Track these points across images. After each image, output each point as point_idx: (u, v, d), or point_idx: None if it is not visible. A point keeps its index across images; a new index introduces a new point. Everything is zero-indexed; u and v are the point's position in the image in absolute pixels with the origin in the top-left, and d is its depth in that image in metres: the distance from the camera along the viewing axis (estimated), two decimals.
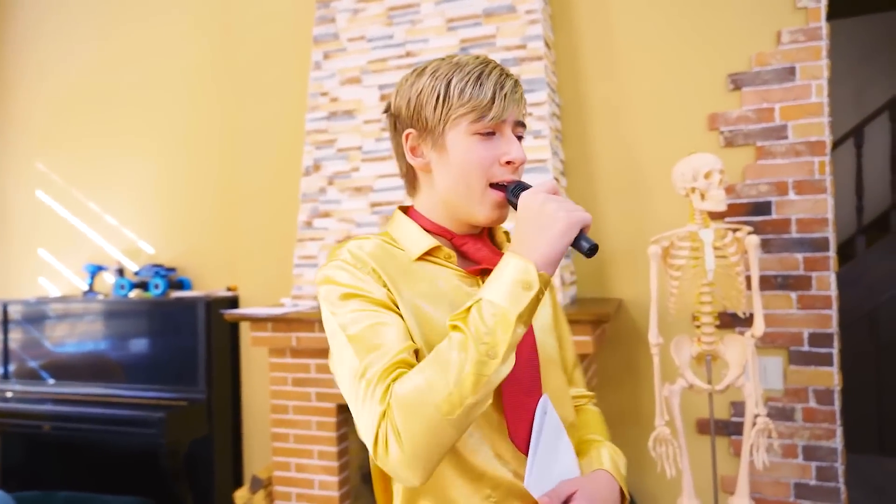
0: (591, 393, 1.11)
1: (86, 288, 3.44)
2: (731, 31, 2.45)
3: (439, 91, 0.88)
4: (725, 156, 2.42)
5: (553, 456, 0.87)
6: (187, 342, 3.00)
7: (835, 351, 2.32)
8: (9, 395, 3.26)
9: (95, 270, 3.42)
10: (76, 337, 3.26)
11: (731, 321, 2.40)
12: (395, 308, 0.85)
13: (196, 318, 2.99)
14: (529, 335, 0.91)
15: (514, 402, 0.86)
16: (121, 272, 3.34)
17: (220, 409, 3.06)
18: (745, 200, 2.42)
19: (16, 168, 3.76)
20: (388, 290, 0.86)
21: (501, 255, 0.90)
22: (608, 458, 0.95)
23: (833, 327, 2.32)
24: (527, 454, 0.86)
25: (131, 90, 3.49)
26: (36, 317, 3.34)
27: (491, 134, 0.88)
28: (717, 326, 2.08)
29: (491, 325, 0.74)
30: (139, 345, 3.13)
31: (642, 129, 2.58)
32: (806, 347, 2.35)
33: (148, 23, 3.44)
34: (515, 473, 0.86)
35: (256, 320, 2.63)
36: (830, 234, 2.33)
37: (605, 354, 2.60)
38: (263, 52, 3.17)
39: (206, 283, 3.30)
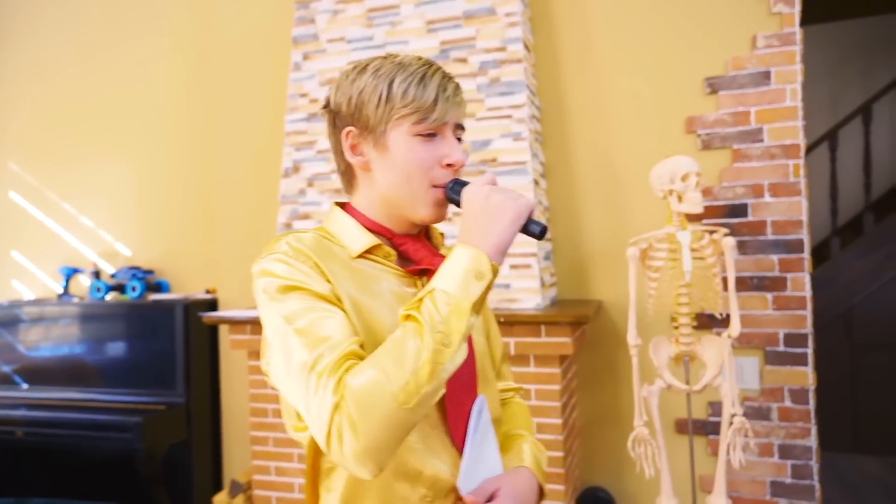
0: (517, 386, 1.13)
1: (61, 291, 3.38)
2: (707, 36, 2.48)
3: (382, 90, 0.88)
4: (702, 158, 2.44)
5: (481, 454, 0.88)
6: (165, 345, 2.96)
7: (809, 351, 2.35)
8: None
9: (71, 273, 3.37)
10: (51, 341, 3.20)
11: (708, 322, 2.42)
12: (337, 302, 0.83)
13: (174, 320, 2.95)
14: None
15: (455, 399, 0.87)
16: (97, 275, 3.29)
17: (198, 413, 3.03)
18: (721, 202, 2.44)
19: None
20: (331, 283, 0.84)
21: (440, 255, 0.93)
22: (529, 454, 0.97)
23: (808, 328, 2.35)
24: (461, 452, 0.87)
25: (107, 90, 3.44)
26: (9, 320, 3.28)
27: (432, 135, 0.89)
28: (695, 327, 2.10)
29: (445, 314, 0.75)
30: (116, 348, 3.08)
31: (621, 131, 2.59)
32: (781, 348, 2.38)
33: (124, 23, 3.40)
34: (450, 470, 0.87)
35: (235, 323, 2.60)
36: (805, 235, 2.36)
37: (585, 356, 2.61)
38: (242, 52, 3.14)
39: (185, 286, 3.26)
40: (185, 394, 2.95)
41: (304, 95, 2.74)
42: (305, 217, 2.69)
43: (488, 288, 0.78)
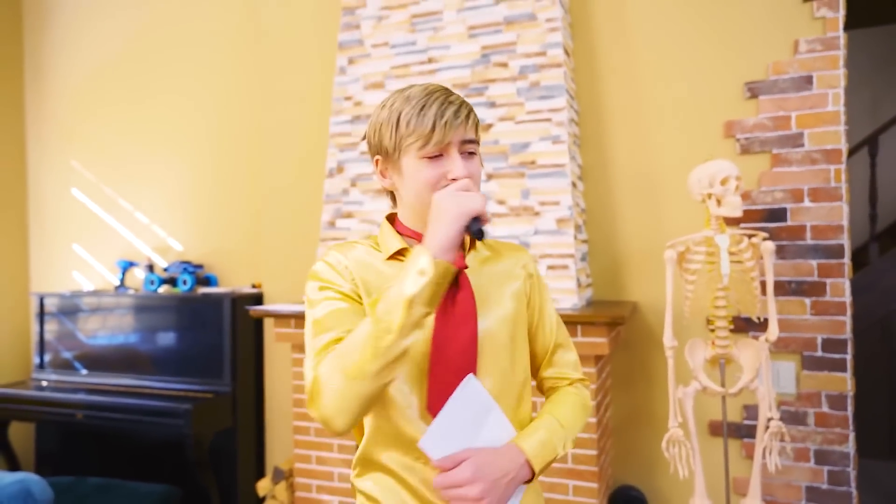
0: (575, 374, 1.16)
1: (117, 283, 3.48)
2: (748, 40, 2.42)
3: (392, 123, 1.00)
4: (741, 163, 2.39)
5: (470, 428, 0.95)
6: (213, 337, 3.02)
7: (848, 356, 2.28)
8: (44, 384, 3.31)
9: (127, 266, 3.46)
10: (108, 329, 3.30)
11: (745, 325, 2.37)
12: (357, 299, 1.00)
13: (222, 313, 3.01)
14: (468, 326, 1.00)
15: (440, 380, 0.97)
16: (151, 268, 3.38)
17: (243, 402, 3.08)
18: (760, 207, 2.39)
19: (52, 166, 3.81)
20: (356, 284, 1.01)
21: (462, 256, 1.04)
22: (536, 435, 1.01)
23: (847, 333, 2.28)
24: None
25: (163, 92, 3.53)
26: (70, 309, 3.39)
27: (438, 156, 0.99)
28: (732, 330, 2.06)
29: (388, 307, 0.87)
30: (167, 338, 3.16)
31: (659, 135, 2.55)
32: (819, 353, 2.31)
33: (177, 27, 3.48)
34: None
35: (280, 316, 2.65)
36: (845, 241, 2.30)
37: (620, 356, 2.58)
38: (290, 57, 3.18)
39: (232, 280, 3.33)
40: (231, 383, 3.01)
41: (348, 98, 2.77)
42: (348, 216, 2.71)
43: (435, 283, 0.87)
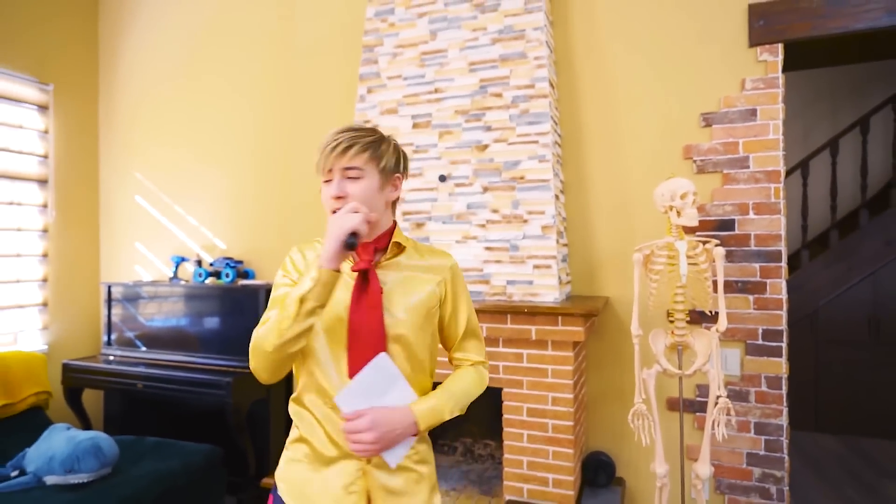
0: (476, 358, 1.24)
1: (171, 275, 3.44)
2: (704, 78, 2.39)
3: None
4: (697, 180, 2.35)
5: (378, 391, 1.04)
6: (251, 321, 2.98)
7: (784, 345, 2.25)
8: (111, 358, 3.27)
9: (179, 261, 3.43)
10: (163, 314, 3.26)
11: (699, 318, 2.33)
12: None
13: (258, 301, 2.97)
14: (375, 313, 1.07)
15: (356, 353, 1.06)
16: (199, 263, 3.34)
17: None
18: (713, 218, 2.35)
19: (119, 177, 3.78)
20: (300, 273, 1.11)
21: (370, 258, 1.12)
22: (428, 401, 1.10)
23: (783, 325, 2.25)
24: None
25: (209, 115, 3.49)
26: (132, 297, 3.36)
27: (329, 181, 1.09)
28: (688, 322, 2.02)
29: (290, 300, 1.00)
30: (212, 322, 3.12)
31: (629, 156, 2.52)
32: (760, 341, 2.28)
33: (223, 58, 3.45)
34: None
35: None
36: (782, 247, 2.26)
37: (594, 343, 2.54)
38: (319, 86, 3.15)
39: (267, 274, 3.29)
40: None
41: (367, 122, 2.73)
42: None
43: (320, 284, 0.99)
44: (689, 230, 2.30)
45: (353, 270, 1.10)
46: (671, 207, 1.95)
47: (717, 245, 1.98)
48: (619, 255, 2.50)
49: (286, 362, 1.03)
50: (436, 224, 2.52)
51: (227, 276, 3.17)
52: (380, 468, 1.10)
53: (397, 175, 1.16)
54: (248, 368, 2.92)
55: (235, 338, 3.03)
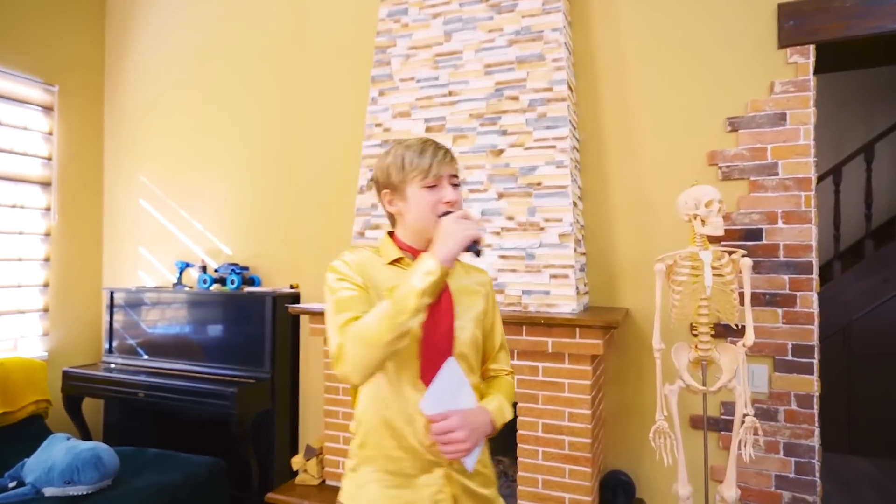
0: (509, 369, 1.36)
1: (175, 281, 3.49)
2: (730, 81, 2.39)
3: (398, 164, 1.19)
4: (723, 188, 2.35)
5: (450, 395, 1.12)
6: (256, 330, 3.02)
7: (815, 361, 2.23)
8: (112, 366, 3.32)
9: (184, 266, 3.47)
10: (166, 321, 3.30)
11: (724, 331, 2.33)
12: (365, 289, 1.15)
13: (264, 309, 3.01)
14: (447, 319, 1.18)
15: (429, 358, 1.14)
16: (204, 269, 3.38)
17: (281, 387, 3.07)
18: (739, 227, 2.35)
19: (124, 181, 3.85)
20: (364, 279, 1.17)
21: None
22: (493, 402, 1.22)
23: (814, 340, 2.24)
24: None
25: (216, 118, 3.55)
26: (135, 303, 3.41)
27: (434, 186, 1.17)
28: (713, 336, 2.01)
29: (404, 294, 1.04)
30: (217, 330, 3.16)
31: (651, 162, 2.52)
32: (789, 357, 2.27)
33: (229, 61, 3.51)
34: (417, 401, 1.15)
35: (314, 314, 2.64)
36: (813, 258, 2.25)
37: (613, 356, 2.54)
38: (329, 87, 3.20)
39: (273, 281, 3.33)
40: (270, 370, 3.00)
41: (378, 125, 2.77)
42: (376, 227, 2.71)
43: (436, 282, 1.05)
44: (714, 240, 2.30)
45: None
46: (695, 216, 1.96)
47: (743, 255, 1.97)
48: (639, 264, 2.50)
49: (385, 360, 1.08)
50: None
51: (232, 282, 3.21)
52: (460, 473, 1.18)
53: None
54: (253, 378, 2.95)
55: (240, 346, 3.06)
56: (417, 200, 1.17)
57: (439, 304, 1.17)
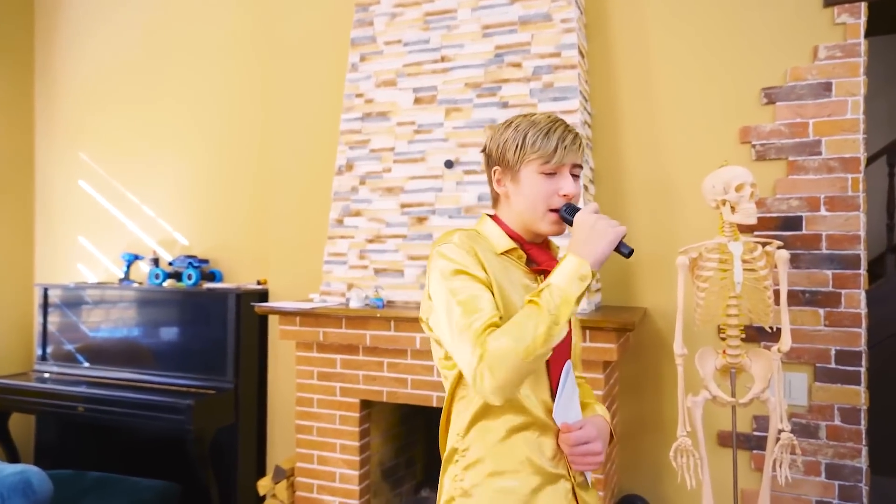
0: (586, 376, 1.49)
1: (122, 276, 3.50)
2: (766, 45, 2.41)
3: (518, 141, 1.20)
4: (757, 169, 2.37)
5: (569, 401, 1.18)
6: (217, 332, 3.03)
7: (862, 369, 2.27)
8: (45, 376, 3.33)
9: (132, 259, 3.48)
10: (111, 322, 3.31)
11: (756, 335, 2.36)
12: (489, 285, 1.15)
13: (226, 309, 3.02)
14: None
15: (557, 363, 1.18)
16: (156, 262, 3.39)
17: (246, 399, 3.09)
18: (775, 215, 2.38)
19: (60, 157, 3.84)
20: (486, 271, 1.16)
21: (555, 260, 1.24)
22: (602, 410, 1.32)
23: (861, 345, 2.27)
24: (555, 394, 1.18)
25: (171, 86, 3.55)
26: (74, 301, 3.41)
27: (553, 174, 1.19)
28: (743, 340, 2.04)
29: (558, 302, 1.06)
30: (171, 333, 3.17)
31: (674, 139, 2.54)
32: (832, 364, 2.30)
33: (187, 23, 3.50)
34: (546, 412, 1.18)
35: (285, 314, 2.65)
36: (861, 251, 2.28)
37: (629, 362, 2.57)
38: (300, 50, 3.19)
39: (238, 276, 3.34)
40: (234, 380, 3.02)
41: (359, 95, 2.77)
42: (357, 214, 2.72)
43: (588, 287, 1.08)
44: (746, 229, 2.33)
45: (538, 271, 1.24)
46: (724, 202, 1.98)
47: (779, 247, 2.00)
48: (660, 258, 2.53)
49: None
50: (440, 219, 2.56)
51: (189, 277, 3.22)
52: (580, 486, 1.22)
53: None
54: (213, 389, 2.97)
55: (199, 352, 3.07)
56: (532, 186, 1.19)
57: None
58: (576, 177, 1.22)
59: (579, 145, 1.21)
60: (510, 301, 1.17)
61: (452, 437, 1.23)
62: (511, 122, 1.25)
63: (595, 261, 1.09)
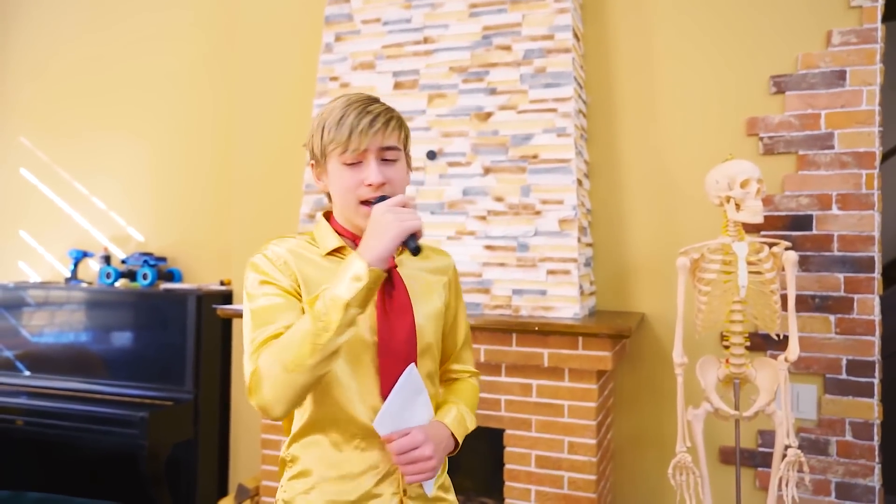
0: (474, 370, 1.44)
1: (69, 274, 3.46)
2: (776, 29, 2.44)
3: (319, 130, 1.20)
4: (764, 164, 2.40)
5: (408, 408, 1.17)
6: (176, 338, 3.01)
7: (876, 381, 2.30)
8: None
9: (80, 256, 3.44)
10: (56, 327, 3.28)
11: (762, 343, 2.39)
12: (295, 294, 1.17)
13: (186, 312, 3.00)
14: (406, 320, 1.21)
15: (388, 369, 1.18)
16: (107, 259, 3.36)
17: (207, 411, 3.07)
18: (783, 213, 2.41)
19: None
20: (296, 280, 1.17)
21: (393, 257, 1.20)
22: (451, 412, 1.28)
23: (875, 355, 2.31)
24: None
25: (124, 65, 3.51)
26: (14, 303, 3.37)
27: (357, 163, 1.17)
28: (748, 348, 2.07)
29: (326, 307, 1.05)
30: (124, 338, 3.14)
31: (675, 131, 2.57)
32: (843, 375, 2.33)
33: (148, 5, 3.47)
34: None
35: None
36: (876, 253, 2.32)
37: (625, 372, 2.59)
38: (269, 28, 3.18)
39: (199, 276, 3.32)
40: (193, 390, 3.00)
41: (334, 79, 2.77)
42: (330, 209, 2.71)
43: (368, 288, 1.06)
44: (752, 228, 2.35)
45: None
46: (728, 198, 2.00)
47: (787, 248, 2.03)
48: (659, 259, 2.55)
49: (314, 386, 1.11)
50: (422, 214, 2.54)
51: (144, 277, 3.20)
52: (416, 500, 1.23)
53: (408, 154, 1.29)
54: (170, 400, 2.95)
55: (155, 359, 3.05)
56: (338, 179, 1.18)
57: (393, 302, 1.21)
58: (390, 161, 1.19)
59: (382, 125, 1.17)
60: None
61: (284, 445, 1.28)
62: (323, 108, 1.24)
63: (374, 257, 1.07)
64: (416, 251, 1.11)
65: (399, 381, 1.15)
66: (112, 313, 3.17)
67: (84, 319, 3.22)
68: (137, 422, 2.77)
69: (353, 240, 1.23)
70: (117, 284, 3.26)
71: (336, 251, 1.23)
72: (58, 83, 3.67)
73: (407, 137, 1.25)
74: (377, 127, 1.16)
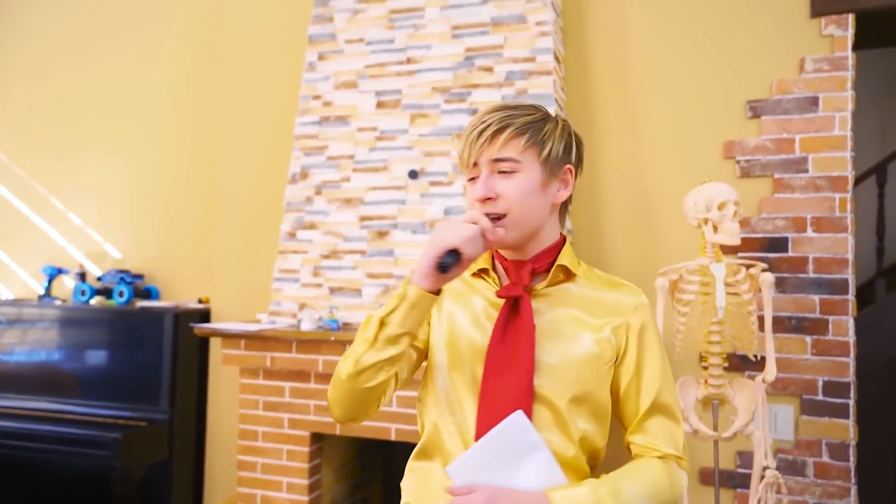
0: (665, 449, 1.12)
1: (42, 292, 3.41)
2: (752, 55, 2.50)
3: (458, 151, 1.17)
4: (741, 186, 2.44)
5: (505, 464, 1.00)
6: (151, 357, 2.97)
7: (851, 401, 2.33)
8: None
9: (54, 273, 3.40)
10: (28, 345, 3.22)
11: (740, 364, 2.41)
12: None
13: (163, 330, 2.97)
14: (523, 357, 1.05)
15: (489, 409, 1.05)
16: (82, 276, 3.32)
17: (182, 432, 3.03)
18: (760, 235, 2.45)
19: None
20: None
21: (524, 283, 1.11)
22: (573, 490, 1.01)
23: (850, 376, 2.34)
24: None
25: (105, 81, 3.50)
26: None
27: (474, 178, 1.12)
28: (726, 369, 2.09)
29: (369, 322, 1.05)
30: (98, 357, 3.10)
31: (654, 153, 2.61)
32: (820, 396, 2.36)
33: (125, 11, 3.46)
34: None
35: (229, 336, 2.62)
36: (850, 275, 2.36)
37: None
38: (251, 47, 3.19)
39: (176, 294, 3.29)
40: (169, 410, 2.96)
41: (317, 98, 2.78)
42: (311, 227, 2.71)
43: (409, 305, 1.02)
44: (729, 250, 2.39)
45: (500, 296, 1.12)
46: (706, 220, 2.03)
47: (764, 270, 2.06)
48: (638, 279, 2.52)
49: (364, 398, 1.08)
50: (403, 233, 2.57)
51: (120, 294, 3.16)
52: None
53: (568, 167, 1.15)
54: (144, 421, 2.91)
55: (130, 379, 3.01)
56: (467, 197, 1.15)
57: (513, 334, 1.07)
58: (505, 174, 1.08)
59: (491, 134, 1.07)
60: (458, 330, 1.15)
61: None
62: None
63: (417, 275, 1.03)
64: (444, 269, 1.01)
65: (497, 427, 1.01)
66: (86, 331, 3.13)
67: (57, 338, 3.17)
68: (110, 443, 2.73)
69: (501, 262, 1.16)
70: (92, 302, 3.22)
71: (481, 272, 1.18)
72: (37, 100, 3.64)
73: (541, 146, 1.09)
74: (486, 137, 1.08)
